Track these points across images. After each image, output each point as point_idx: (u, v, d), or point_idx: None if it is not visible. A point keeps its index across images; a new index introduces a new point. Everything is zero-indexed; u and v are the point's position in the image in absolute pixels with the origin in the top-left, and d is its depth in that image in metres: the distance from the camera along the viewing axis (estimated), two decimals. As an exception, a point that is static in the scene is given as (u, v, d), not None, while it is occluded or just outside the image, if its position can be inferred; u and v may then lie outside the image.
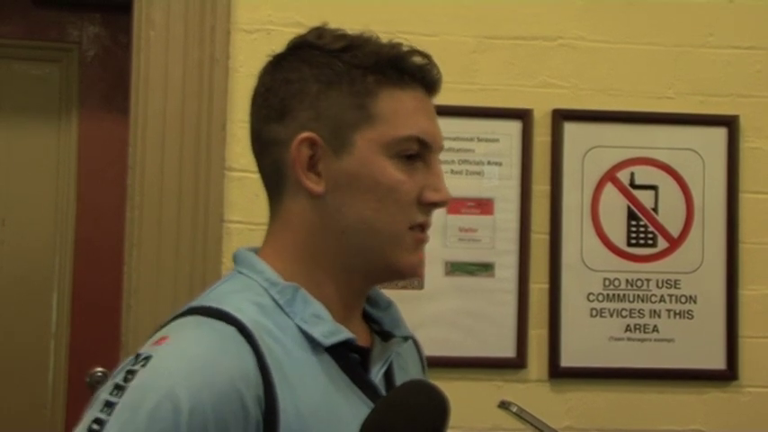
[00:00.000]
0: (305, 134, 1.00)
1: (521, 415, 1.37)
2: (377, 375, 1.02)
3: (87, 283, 2.40)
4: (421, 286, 2.10)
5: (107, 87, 2.41)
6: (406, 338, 1.12)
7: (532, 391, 2.11)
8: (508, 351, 2.12)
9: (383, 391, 1.02)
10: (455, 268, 2.12)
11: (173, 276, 2.01)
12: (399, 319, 1.13)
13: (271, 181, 1.04)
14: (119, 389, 0.88)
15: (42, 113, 2.43)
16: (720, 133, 2.19)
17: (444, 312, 2.11)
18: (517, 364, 2.11)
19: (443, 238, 2.11)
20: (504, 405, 1.39)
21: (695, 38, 2.20)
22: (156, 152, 2.04)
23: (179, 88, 2.05)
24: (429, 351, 2.07)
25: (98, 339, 2.35)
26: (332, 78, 1.01)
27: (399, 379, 1.07)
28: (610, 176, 2.16)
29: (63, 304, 2.41)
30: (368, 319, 1.11)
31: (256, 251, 1.05)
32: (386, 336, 1.09)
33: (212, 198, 2.04)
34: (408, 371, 1.13)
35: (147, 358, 0.89)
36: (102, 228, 2.38)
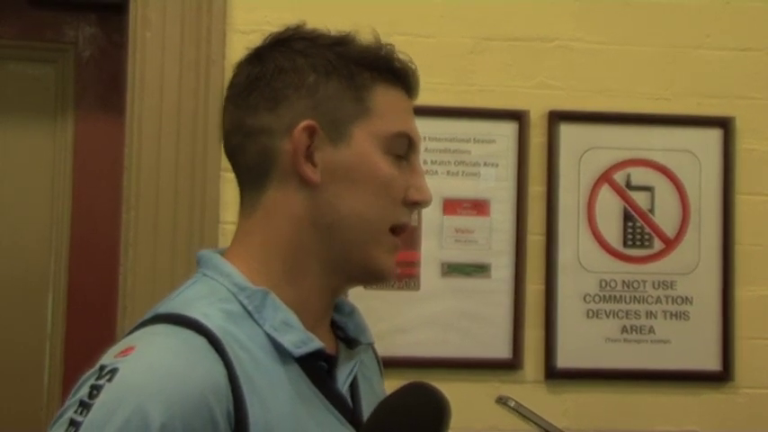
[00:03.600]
0: (307, 122, 0.98)
1: (518, 410, 1.36)
2: (344, 385, 1.01)
3: (83, 284, 2.40)
4: (417, 287, 2.10)
5: (103, 88, 2.41)
6: (369, 345, 1.10)
7: (528, 392, 2.11)
8: (504, 352, 2.12)
9: (350, 402, 1.01)
10: (451, 269, 2.12)
11: (169, 277, 2.01)
12: (364, 324, 1.10)
13: (252, 172, 1.01)
14: (84, 406, 0.84)
15: (38, 114, 2.42)
16: (716, 134, 2.19)
17: (440, 313, 2.11)
18: (513, 364, 2.11)
19: (439, 240, 2.11)
20: (501, 400, 1.38)
21: (692, 39, 2.20)
22: (151, 153, 2.04)
23: (175, 89, 2.05)
24: (425, 352, 2.08)
25: (94, 340, 2.32)
26: (329, 69, 1.00)
27: (363, 388, 1.06)
28: (606, 178, 2.17)
29: (58, 305, 2.41)
30: (331, 324, 1.08)
31: (222, 252, 1.02)
32: (350, 342, 1.07)
33: (208, 199, 2.04)
34: (371, 378, 1.11)
35: (113, 371, 0.85)
36: (98, 228, 2.37)
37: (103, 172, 2.36)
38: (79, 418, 0.83)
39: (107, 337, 2.13)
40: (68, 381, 2.39)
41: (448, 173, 2.12)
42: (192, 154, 2.04)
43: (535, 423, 1.36)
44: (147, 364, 0.86)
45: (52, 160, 2.42)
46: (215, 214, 2.04)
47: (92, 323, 2.36)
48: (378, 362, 1.19)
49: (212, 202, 2.04)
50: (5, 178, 2.42)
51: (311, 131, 0.98)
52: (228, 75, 2.00)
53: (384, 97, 1.01)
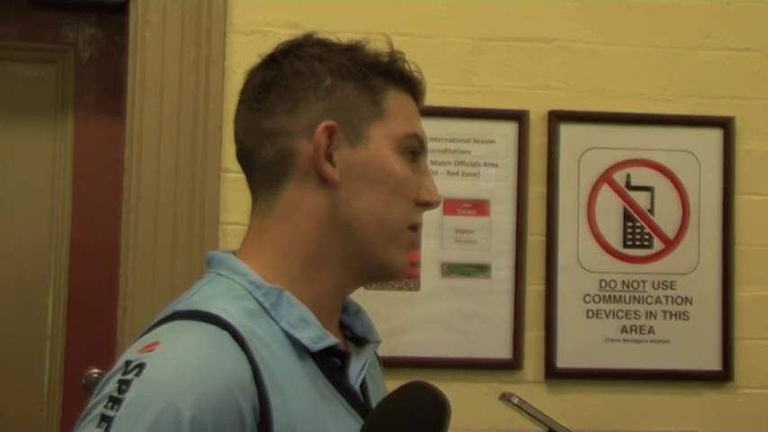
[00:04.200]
0: (327, 122, 1.00)
1: (522, 407, 1.37)
2: (356, 381, 1.02)
3: (83, 285, 2.39)
4: (417, 287, 2.10)
5: (103, 89, 2.41)
6: (377, 343, 1.12)
7: (528, 392, 2.10)
8: (504, 352, 2.12)
9: (362, 398, 1.03)
10: (451, 270, 2.12)
11: (169, 278, 2.01)
12: (371, 323, 1.13)
13: (268, 173, 1.03)
14: (114, 401, 0.84)
15: (38, 115, 2.42)
16: (716, 135, 2.19)
17: (440, 314, 2.11)
18: (513, 365, 2.12)
19: (439, 240, 2.11)
20: (505, 397, 1.39)
21: (691, 39, 2.20)
22: (152, 154, 2.04)
23: (175, 89, 2.05)
24: (425, 352, 2.08)
25: (94, 341, 2.34)
26: (345, 72, 1.02)
27: (370, 386, 1.08)
28: (606, 178, 2.17)
29: (59, 306, 2.41)
30: (339, 324, 1.10)
31: (233, 253, 1.04)
32: (356, 341, 1.09)
33: (208, 199, 2.04)
34: (375, 377, 1.13)
35: (141, 366, 0.86)
36: (98, 229, 2.37)
37: (104, 173, 2.36)
38: (110, 413, 0.84)
39: (107, 338, 2.13)
40: (68, 381, 2.39)
41: (448, 173, 2.12)
42: (192, 155, 2.04)
43: (538, 420, 1.36)
44: (175, 359, 0.87)
45: (52, 161, 2.41)
46: (215, 215, 2.04)
47: (92, 324, 2.36)
48: (378, 359, 1.20)
49: (212, 203, 2.04)
50: (6, 179, 2.42)
51: (331, 132, 1.00)
52: (228, 75, 2.00)
53: (396, 100, 1.04)
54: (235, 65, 2.05)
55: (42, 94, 2.43)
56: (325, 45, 1.05)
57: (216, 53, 2.06)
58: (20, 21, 2.42)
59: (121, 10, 2.14)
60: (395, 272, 1.05)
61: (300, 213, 1.01)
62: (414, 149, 1.05)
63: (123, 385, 0.85)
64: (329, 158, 1.00)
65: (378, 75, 1.03)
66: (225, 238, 2.04)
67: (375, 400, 1.04)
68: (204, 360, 0.87)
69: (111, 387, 0.86)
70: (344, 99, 1.02)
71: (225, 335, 0.90)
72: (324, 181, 1.00)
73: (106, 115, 2.38)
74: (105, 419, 0.84)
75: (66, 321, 2.40)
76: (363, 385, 1.06)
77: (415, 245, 1.06)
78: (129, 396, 0.84)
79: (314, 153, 1.00)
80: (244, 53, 2.04)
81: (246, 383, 0.88)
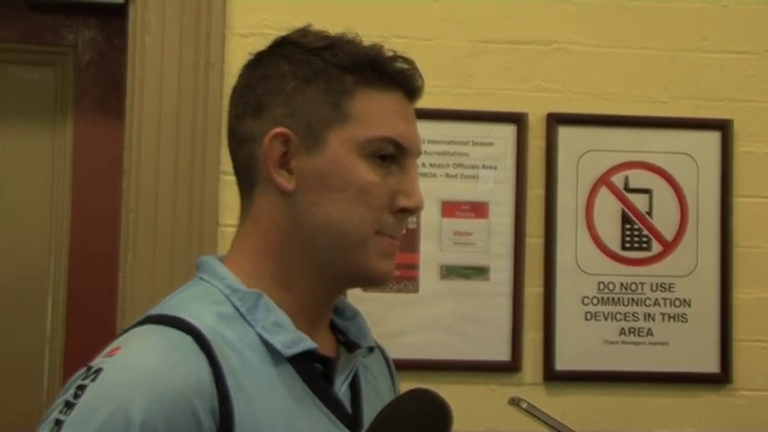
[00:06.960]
0: (277, 129, 0.98)
1: (531, 411, 1.37)
2: (341, 387, 1.01)
3: (82, 288, 2.39)
4: (416, 290, 2.10)
5: (102, 91, 2.41)
6: (371, 349, 1.10)
7: (527, 395, 2.09)
8: (503, 354, 2.12)
9: (346, 404, 1.01)
10: (450, 272, 2.12)
11: (168, 280, 2.01)
12: (365, 328, 1.10)
13: (243, 178, 1.03)
14: (68, 406, 0.86)
15: (37, 117, 2.42)
16: (714, 137, 2.19)
17: (439, 316, 2.11)
18: (512, 367, 2.12)
19: (438, 242, 2.12)
20: (514, 401, 1.39)
21: (689, 42, 2.20)
22: (151, 156, 2.04)
23: (174, 92, 2.05)
24: (424, 355, 2.09)
25: (93, 344, 2.32)
26: (309, 75, 0.99)
27: (367, 392, 1.05)
28: (604, 180, 2.17)
29: (58, 309, 2.41)
30: (334, 329, 1.08)
31: (221, 258, 1.03)
32: (351, 346, 1.07)
33: (207, 202, 2.04)
34: (377, 384, 1.11)
35: (98, 372, 0.87)
36: (98, 232, 2.37)
37: (103, 175, 2.36)
38: (63, 417, 0.85)
39: (106, 340, 2.12)
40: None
41: (446, 175, 2.13)
42: (191, 157, 2.05)
43: (548, 424, 1.36)
44: (129, 363, 0.88)
45: (51, 164, 2.41)
46: (214, 217, 2.05)
47: (91, 326, 2.36)
48: (388, 364, 1.18)
49: (211, 205, 2.04)
50: (5, 182, 2.42)
51: (285, 139, 0.98)
52: (227, 78, 2.01)
53: (366, 102, 0.99)
54: (233, 68, 2.03)
55: (42, 97, 2.43)
56: (300, 45, 1.02)
57: (215, 56, 2.06)
58: (19, 23, 2.42)
59: (121, 12, 2.14)
60: (372, 279, 1.01)
61: (268, 221, 1.00)
62: (383, 153, 0.99)
63: (79, 390, 0.86)
64: (286, 166, 0.98)
65: (348, 74, 0.99)
66: (224, 240, 2.04)
67: (372, 405, 1.01)
68: (157, 364, 0.87)
69: (69, 392, 0.88)
70: (304, 104, 0.99)
71: (186, 339, 0.90)
72: (281, 189, 0.99)
73: (105, 117, 2.38)
74: (58, 424, 0.85)
75: (66, 323, 2.40)
76: (356, 392, 1.04)
77: (392, 250, 1.01)
78: (81, 400, 0.85)
79: (265, 161, 0.99)
80: (242, 56, 2.02)
81: (205, 386, 0.87)
